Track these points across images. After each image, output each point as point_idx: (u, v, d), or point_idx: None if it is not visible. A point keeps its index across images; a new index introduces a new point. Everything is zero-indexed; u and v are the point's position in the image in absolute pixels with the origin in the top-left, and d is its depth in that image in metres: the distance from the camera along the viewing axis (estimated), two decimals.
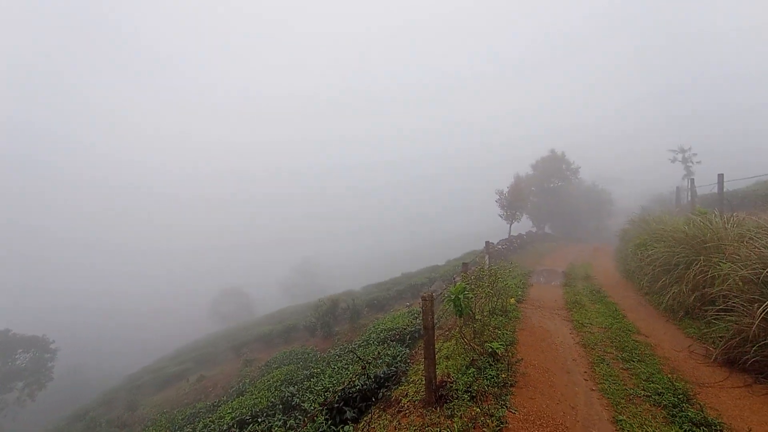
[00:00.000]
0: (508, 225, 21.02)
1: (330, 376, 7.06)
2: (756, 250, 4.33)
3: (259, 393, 8.45)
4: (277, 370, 10.34)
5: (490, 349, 4.91)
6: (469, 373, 4.55)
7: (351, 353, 8.31)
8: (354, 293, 25.69)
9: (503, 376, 4.39)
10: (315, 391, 6.60)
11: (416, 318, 9.10)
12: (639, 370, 4.35)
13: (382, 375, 5.63)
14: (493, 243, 17.29)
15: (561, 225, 28.92)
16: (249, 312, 44.98)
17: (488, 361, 4.78)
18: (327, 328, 14.94)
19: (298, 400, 6.72)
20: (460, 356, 5.21)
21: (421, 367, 5.38)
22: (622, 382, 4.13)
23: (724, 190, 9.76)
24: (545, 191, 28.34)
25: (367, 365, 5.96)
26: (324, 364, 8.98)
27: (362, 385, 5.34)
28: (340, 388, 5.71)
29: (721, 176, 9.06)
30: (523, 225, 27.39)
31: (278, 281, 55.50)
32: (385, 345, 7.77)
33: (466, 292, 5.20)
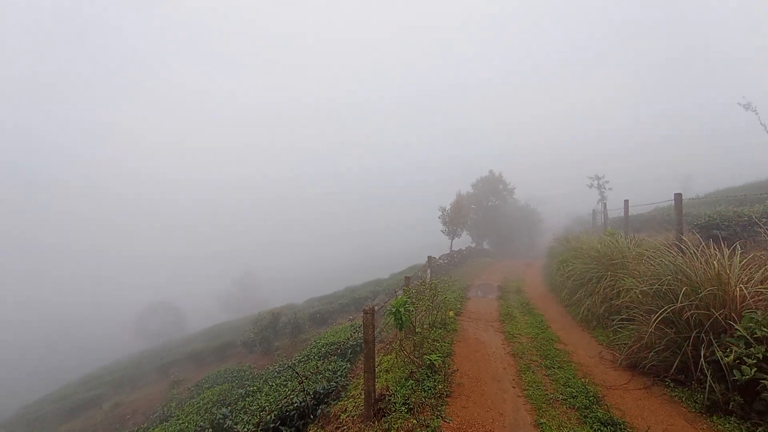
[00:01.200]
0: (450, 240, 21.97)
1: (267, 395, 6.78)
2: (651, 267, 5.04)
3: (186, 417, 7.83)
4: (209, 391, 9.66)
5: (428, 361, 5.09)
6: (408, 386, 4.67)
7: (290, 369, 8.06)
8: (296, 307, 24.94)
9: (440, 387, 4.57)
10: (250, 412, 6.29)
11: (358, 331, 9.09)
12: (558, 376, 4.78)
13: (321, 391, 5.55)
14: (435, 257, 17.92)
15: (498, 241, 30.84)
16: (181, 328, 41.41)
17: (426, 373, 4.95)
18: (266, 344, 14.29)
19: (230, 423, 6.34)
20: (399, 369, 5.31)
21: (362, 381, 5.40)
22: (544, 388, 4.51)
23: (630, 214, 11.17)
24: (484, 209, 30.16)
25: (306, 381, 5.83)
26: (261, 381, 8.59)
27: (300, 402, 5.21)
28: (277, 406, 5.51)
29: (626, 202, 10.39)
30: (464, 240, 28.79)
31: (216, 294, 52.02)
32: (326, 359, 7.66)
33: (406, 306, 5.36)
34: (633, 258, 6.14)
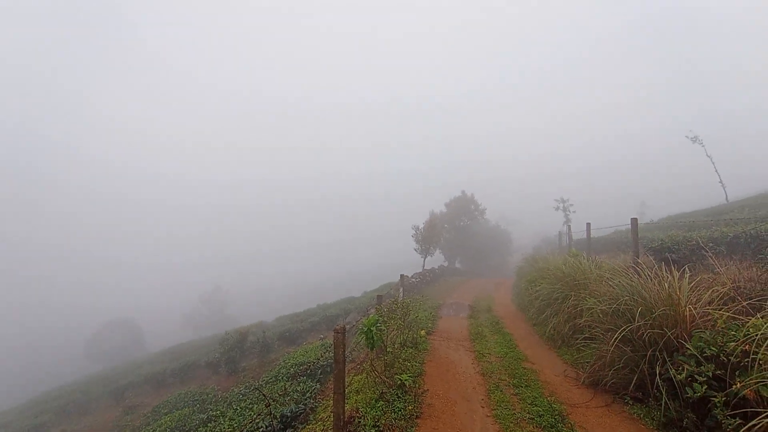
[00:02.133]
0: (423, 259, 22.16)
1: (231, 419, 6.47)
2: (610, 288, 5.30)
3: None
4: (167, 417, 9.08)
5: (399, 382, 5.06)
6: (378, 407, 4.61)
7: (256, 391, 7.75)
8: (265, 325, 24.15)
9: (410, 408, 4.55)
10: None
11: (329, 351, 8.91)
12: (526, 395, 4.87)
13: (288, 414, 5.37)
14: (407, 276, 17.99)
15: (470, 260, 31.41)
16: (140, 348, 38.90)
17: (397, 394, 4.91)
18: (232, 364, 13.67)
19: None
20: (370, 389, 5.25)
21: (331, 402, 5.28)
22: (512, 407, 4.58)
23: (592, 236, 11.75)
24: (456, 228, 30.78)
25: (273, 403, 5.62)
26: (225, 405, 8.19)
27: (267, 427, 5.02)
28: None
29: (588, 225, 10.94)
30: (437, 259, 29.13)
31: (181, 312, 49.43)
32: (295, 380, 7.45)
33: (378, 325, 5.34)
34: (594, 279, 6.43)
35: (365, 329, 5.19)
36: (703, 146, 19.60)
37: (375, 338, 5.22)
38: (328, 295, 34.23)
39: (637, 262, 6.53)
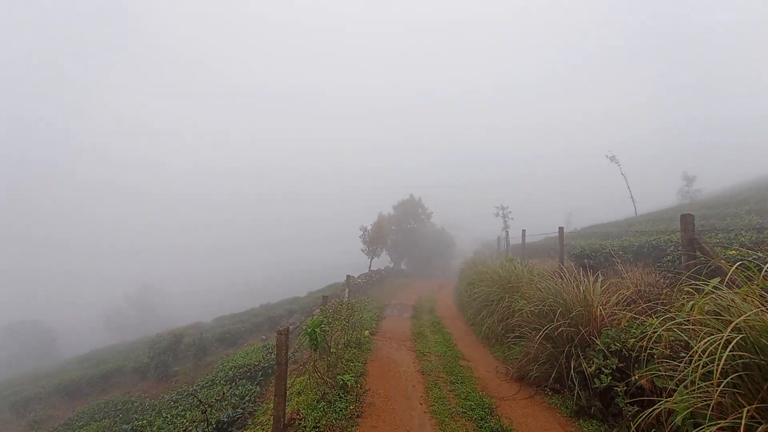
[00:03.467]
0: (369, 260, 22.37)
1: (160, 428, 6.07)
2: (538, 291, 5.83)
3: None
4: (83, 430, 8.24)
5: (341, 382, 5.12)
6: (319, 408, 4.63)
7: (190, 397, 7.34)
8: (203, 326, 22.81)
9: (351, 407, 4.63)
10: None
11: (271, 353, 8.71)
12: (460, 391, 5.19)
13: (225, 419, 5.19)
14: (354, 276, 18.05)
15: (415, 262, 32.29)
16: (51, 355, 34.50)
17: (339, 394, 4.97)
18: (163, 369, 12.74)
19: None
20: (312, 391, 5.24)
21: (272, 405, 5.19)
22: (448, 403, 4.86)
23: (527, 242, 12.73)
24: (403, 231, 31.50)
25: (209, 409, 5.39)
26: (154, 413, 7.64)
27: None
28: None
29: (523, 231, 11.86)
30: (383, 260, 29.58)
31: (104, 314, 44.64)
32: (234, 384, 7.18)
33: (322, 326, 5.36)
34: (526, 282, 7.01)
35: (309, 330, 5.19)
36: (619, 165, 22.17)
37: (318, 339, 5.24)
38: (272, 295, 33.15)
39: (562, 267, 7.24)
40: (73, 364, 22.84)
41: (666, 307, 3.81)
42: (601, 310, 4.67)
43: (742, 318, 2.38)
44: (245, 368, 7.74)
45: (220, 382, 7.46)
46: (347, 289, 13.31)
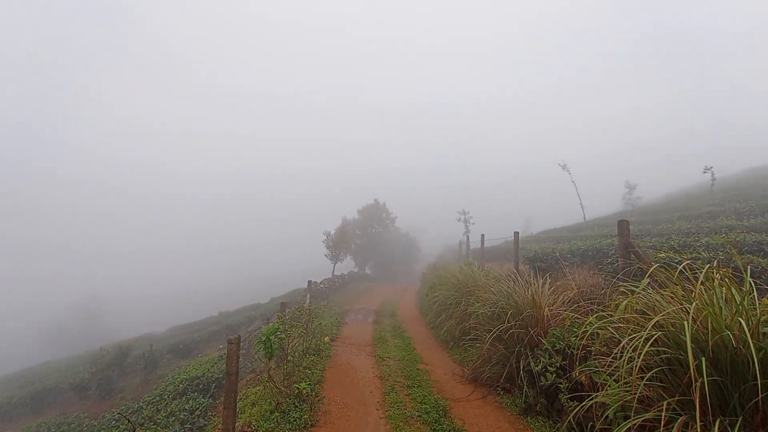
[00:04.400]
0: (333, 264, 22.16)
1: None
2: (492, 294, 6.04)
3: None
4: None
5: (297, 390, 5.01)
6: (273, 419, 4.50)
7: (137, 414, 6.86)
8: (155, 337, 21.52)
9: (306, 417, 4.54)
10: None
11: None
12: (417, 394, 5.24)
13: None
14: (316, 282, 17.79)
15: (380, 267, 32.36)
16: None
17: (294, 403, 4.86)
18: (107, 385, 11.81)
19: None
20: (266, 401, 5.09)
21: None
22: (404, 407, 4.88)
23: (486, 246, 13.16)
24: (368, 235, 31.52)
25: (153, 426, 5.08)
26: None
27: None
28: None
29: (482, 236, 12.26)
30: (347, 265, 29.38)
31: (39, 326, 40.67)
32: (184, 397, 6.80)
33: (278, 333, 5.23)
34: (482, 285, 7.23)
35: (264, 338, 5.04)
36: (569, 174, 23.59)
37: (273, 347, 5.09)
38: (234, 302, 31.88)
39: (517, 270, 7.55)
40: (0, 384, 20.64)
41: (602, 307, 4.06)
42: (548, 311, 4.90)
43: (660, 316, 2.59)
44: (198, 380, 7.36)
45: (169, 396, 7.03)
46: (308, 295, 13.09)
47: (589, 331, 3.78)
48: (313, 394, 5.17)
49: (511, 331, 5.02)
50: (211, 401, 6.48)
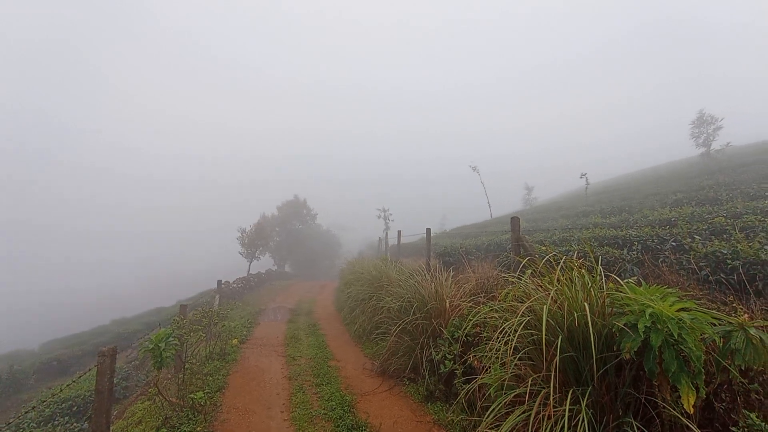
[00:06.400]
0: (248, 263, 20.95)
1: None
2: (401, 288, 6.25)
3: None
4: None
5: (191, 401, 4.59)
6: None
7: None
8: (23, 355, 18.12)
9: (199, 429, 4.18)
10: None
11: (118, 377, 7.34)
12: (325, 392, 5.19)
13: None
14: (228, 281, 16.67)
15: (300, 264, 31.52)
16: None
17: (188, 415, 4.44)
18: None
19: None
20: (153, 416, 4.57)
21: None
22: (310, 406, 4.79)
23: (404, 242, 13.61)
24: (288, 232, 30.46)
25: None
26: None
27: None
28: None
29: (399, 232, 12.65)
30: (267, 263, 28.05)
31: None
32: (51, 425, 5.79)
33: (169, 339, 4.72)
34: (394, 280, 7.45)
35: (151, 346, 4.51)
36: (479, 174, 25.69)
37: (164, 355, 4.58)
38: (136, 307, 28.24)
39: (428, 265, 7.92)
40: None
41: (491, 296, 4.45)
42: (449, 303, 5.23)
43: (529, 302, 2.91)
44: (71, 402, 6.32)
45: (30, 424, 5.90)
46: (218, 296, 12.19)
47: (476, 320, 4.12)
48: (210, 402, 4.80)
49: (416, 322, 5.25)
50: (87, 426, 5.62)
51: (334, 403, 4.77)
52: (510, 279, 4.24)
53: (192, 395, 4.64)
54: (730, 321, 2.40)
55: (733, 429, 2.24)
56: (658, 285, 2.61)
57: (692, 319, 2.21)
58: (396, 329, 5.24)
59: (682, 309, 2.28)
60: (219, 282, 12.06)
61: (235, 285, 16.86)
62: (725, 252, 3.98)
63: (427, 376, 4.73)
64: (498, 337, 3.09)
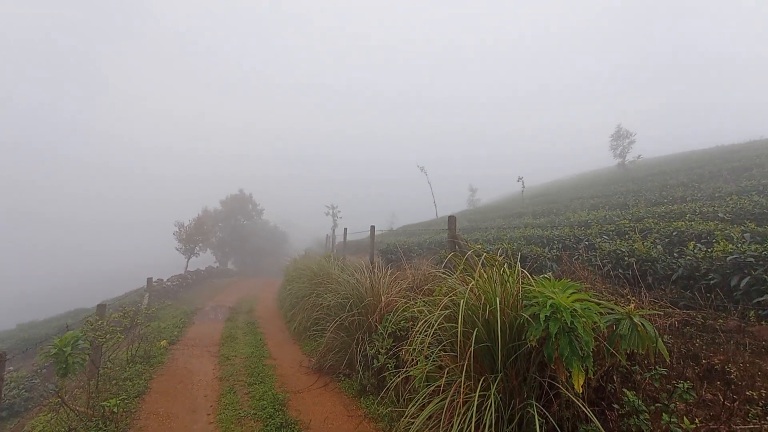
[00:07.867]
0: (186, 259, 19.66)
1: None
2: (340, 285, 6.24)
3: None
4: None
5: (103, 410, 4.22)
6: None
7: None
8: None
9: None
10: None
11: (11, 389, 6.54)
12: (257, 391, 5.04)
13: None
14: (161, 279, 15.55)
15: (244, 261, 30.20)
16: None
17: (97, 425, 4.08)
18: None
19: None
20: (56, 429, 4.14)
21: None
22: (240, 407, 4.63)
23: (350, 240, 13.60)
24: (231, 228, 29.03)
25: None
26: None
27: None
28: None
29: (345, 230, 12.64)
30: (208, 259, 26.50)
31: None
32: None
33: (79, 342, 4.30)
34: (335, 277, 7.41)
35: (55, 351, 4.08)
36: (426, 175, 26.45)
37: (71, 361, 4.16)
38: (51, 308, 25.18)
39: (372, 262, 7.99)
40: None
41: (424, 292, 4.60)
42: (385, 299, 5.32)
43: (449, 296, 3.07)
44: None
45: None
46: (147, 294, 11.33)
47: (408, 314, 4.26)
48: (129, 409, 4.45)
49: (353, 318, 5.28)
50: None
51: (265, 402, 4.66)
52: (442, 275, 4.42)
53: (104, 403, 4.26)
54: (620, 310, 2.72)
55: (615, 406, 2.55)
56: (569, 280, 2.88)
57: (584, 308, 2.46)
58: (333, 325, 5.24)
59: (578, 300, 2.53)
60: (149, 280, 11.21)
61: (169, 283, 15.73)
62: (624, 250, 4.50)
63: (360, 371, 4.78)
64: (423, 330, 3.21)
